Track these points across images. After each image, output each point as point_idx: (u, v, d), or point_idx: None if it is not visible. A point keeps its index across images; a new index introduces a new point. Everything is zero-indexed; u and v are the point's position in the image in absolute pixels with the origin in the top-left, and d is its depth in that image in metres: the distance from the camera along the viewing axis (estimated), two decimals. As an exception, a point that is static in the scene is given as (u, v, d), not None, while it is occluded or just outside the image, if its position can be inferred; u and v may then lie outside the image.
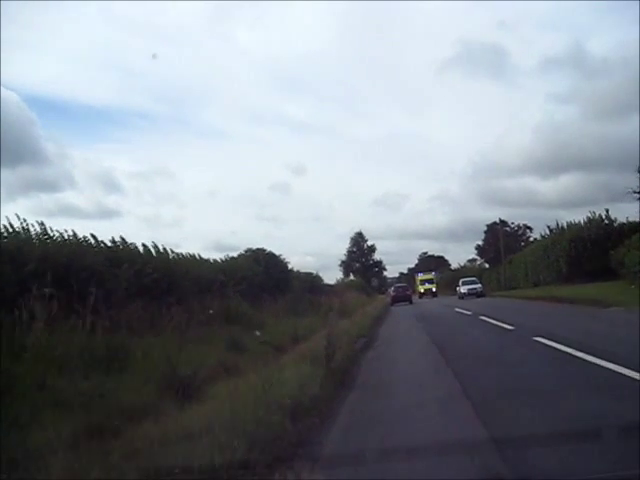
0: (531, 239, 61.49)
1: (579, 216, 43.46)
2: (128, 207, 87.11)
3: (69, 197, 79.27)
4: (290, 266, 35.01)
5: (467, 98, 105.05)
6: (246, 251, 23.81)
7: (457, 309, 24.01)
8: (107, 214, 70.42)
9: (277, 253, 24.18)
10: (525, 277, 45.81)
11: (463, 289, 41.12)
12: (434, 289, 56.75)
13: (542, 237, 47.32)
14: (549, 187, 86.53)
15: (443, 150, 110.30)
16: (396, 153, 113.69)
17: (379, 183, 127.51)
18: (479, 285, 42.18)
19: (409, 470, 3.84)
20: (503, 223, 57.14)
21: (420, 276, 61.44)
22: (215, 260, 19.33)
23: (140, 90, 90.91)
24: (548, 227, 45.39)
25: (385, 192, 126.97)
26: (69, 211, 64.64)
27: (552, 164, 75.77)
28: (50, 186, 68.93)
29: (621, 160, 63.94)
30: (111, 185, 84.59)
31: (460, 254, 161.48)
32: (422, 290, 56.93)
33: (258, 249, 23.90)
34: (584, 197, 77.35)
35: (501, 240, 53.25)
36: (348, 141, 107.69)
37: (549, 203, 75.92)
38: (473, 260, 73.86)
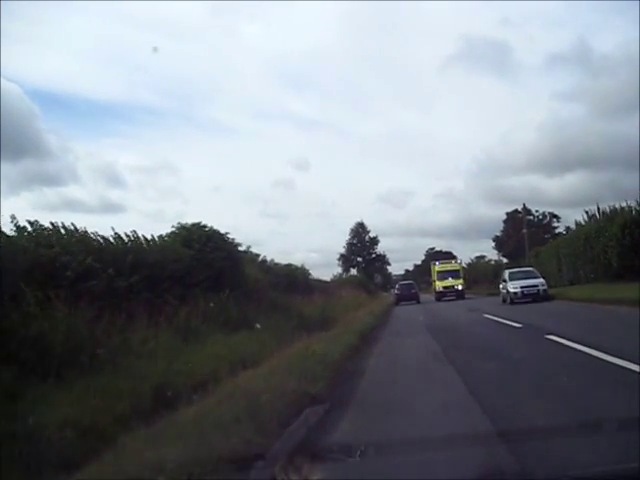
0: (558, 230, 53.59)
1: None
2: (132, 202, 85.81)
3: (73, 191, 79.56)
4: (264, 255, 27.52)
5: (472, 95, 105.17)
6: (177, 228, 15.92)
7: (489, 316, 16.11)
8: (111, 208, 69.49)
9: (223, 231, 16.20)
10: (558, 273, 37.64)
11: (514, 287, 23.84)
12: (460, 286, 37.74)
13: (577, 225, 39.25)
14: (554, 185, 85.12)
15: (448, 147, 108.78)
16: (400, 150, 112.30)
17: (383, 180, 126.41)
18: (541, 280, 24.43)
19: None
20: (527, 211, 48.92)
21: (438, 265, 40.59)
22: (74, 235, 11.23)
23: (145, 85, 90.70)
24: (586, 212, 37.33)
25: (389, 189, 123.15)
26: (72, 205, 63.48)
27: (557, 162, 74.66)
28: (54, 180, 68.36)
29: (627, 158, 60.69)
30: (115, 179, 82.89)
31: (465, 252, 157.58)
32: (442, 287, 38.09)
33: (194, 224, 15.97)
34: (589, 195, 75.50)
35: (525, 230, 45.17)
36: (352, 137, 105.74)
37: (554, 201, 73.64)
38: (481, 257, 67.44)
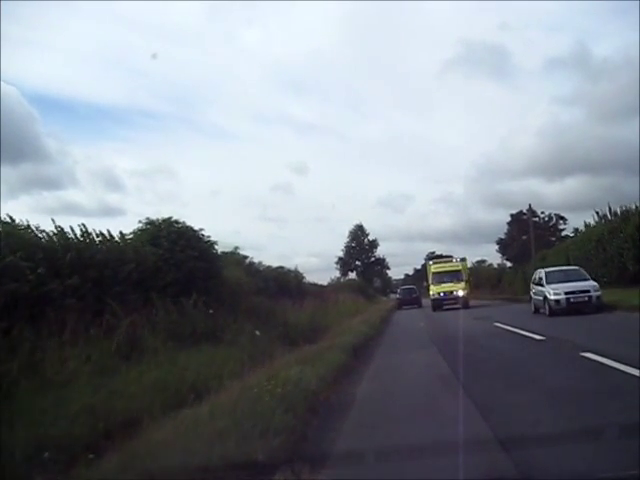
0: (564, 232, 51.55)
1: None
2: (131, 205, 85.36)
3: (72, 195, 77.46)
4: (251, 257, 25.57)
5: (471, 99, 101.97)
6: (144, 224, 13.87)
7: (503, 325, 14.06)
8: (110, 212, 68.69)
9: (197, 228, 14.13)
10: (567, 277, 35.59)
11: (555, 292, 17.12)
12: (462, 292, 28.71)
13: (587, 226, 37.34)
14: (554, 190, 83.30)
15: (447, 151, 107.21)
16: (400, 154, 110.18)
17: (383, 184, 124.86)
18: (592, 283, 17.67)
19: None
20: (532, 213, 46.72)
21: (434, 265, 31.76)
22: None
23: (145, 89, 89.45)
24: (596, 212, 35.42)
25: (389, 193, 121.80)
26: (71, 209, 62.87)
27: (557, 166, 73.36)
28: (53, 184, 68.11)
29: (627, 163, 60.16)
30: (114, 183, 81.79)
31: (466, 256, 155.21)
32: (438, 293, 29.08)
33: (164, 220, 13.93)
34: (590, 200, 74.40)
35: (531, 232, 43.15)
36: (352, 142, 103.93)
37: (554, 206, 72.57)
38: (482, 261, 65.45)
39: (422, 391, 6.43)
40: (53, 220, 10.28)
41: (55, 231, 10.17)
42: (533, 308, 19.30)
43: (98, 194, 75.30)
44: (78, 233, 10.61)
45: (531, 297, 19.95)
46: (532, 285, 20.13)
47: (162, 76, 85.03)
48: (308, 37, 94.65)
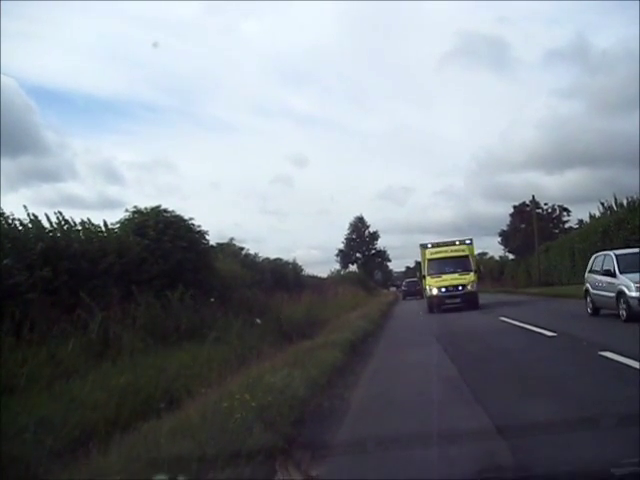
0: (567, 224, 50.75)
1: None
2: (131, 198, 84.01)
3: (71, 187, 76.32)
4: (247, 248, 24.88)
5: (471, 92, 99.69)
6: (131, 212, 13.11)
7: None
8: (109, 204, 67.16)
9: (187, 217, 13.39)
10: (572, 269, 34.89)
11: (638, 287, 11.11)
12: (470, 286, 20.81)
13: (592, 217, 36.66)
14: (554, 182, 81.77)
15: (447, 144, 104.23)
16: (400, 147, 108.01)
17: (383, 177, 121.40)
18: None
19: None
20: (535, 204, 45.82)
21: (432, 249, 22.87)
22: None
23: (144, 81, 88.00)
24: (602, 203, 34.77)
25: (389, 186, 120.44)
26: (71, 201, 62.08)
27: (556, 159, 73.18)
28: (52, 176, 67.82)
29: (626, 156, 59.11)
30: (114, 176, 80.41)
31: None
32: (437, 288, 20.82)
33: (152, 209, 13.17)
34: (589, 193, 74.50)
35: (534, 223, 42.37)
36: (352, 134, 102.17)
37: (554, 198, 72.95)
38: (483, 254, 64.65)
39: (425, 398, 5.68)
40: (25, 207, 9.52)
41: (28, 219, 9.44)
42: (590, 308, 13.77)
43: (98, 187, 74.77)
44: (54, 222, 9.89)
45: (587, 291, 14.00)
46: (589, 275, 14.16)
47: (162, 69, 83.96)
48: (308, 29, 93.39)
